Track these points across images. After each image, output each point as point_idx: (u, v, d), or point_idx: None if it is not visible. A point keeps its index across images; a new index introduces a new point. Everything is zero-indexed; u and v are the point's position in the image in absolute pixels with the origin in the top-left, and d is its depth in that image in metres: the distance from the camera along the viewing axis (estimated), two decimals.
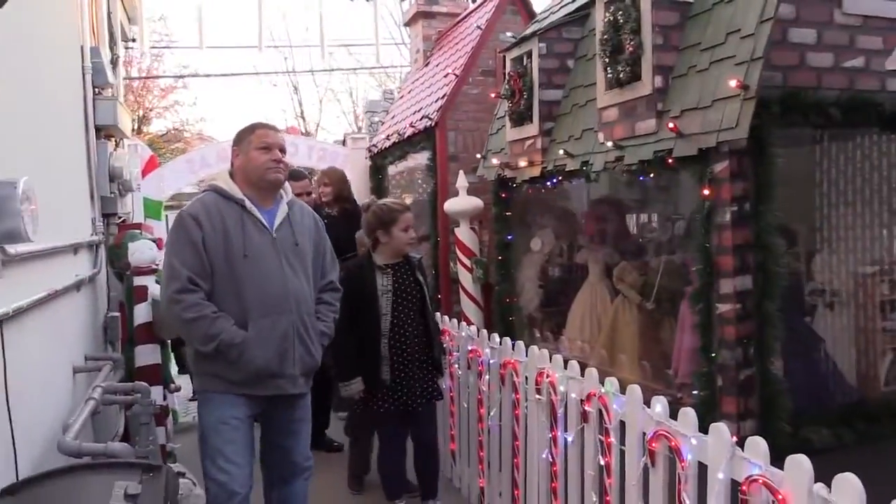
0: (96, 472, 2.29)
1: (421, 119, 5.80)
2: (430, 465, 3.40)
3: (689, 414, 2.31)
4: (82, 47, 4.55)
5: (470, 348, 3.58)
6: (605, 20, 3.08)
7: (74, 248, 3.45)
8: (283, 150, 2.64)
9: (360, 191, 7.60)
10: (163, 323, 3.87)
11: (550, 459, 3.02)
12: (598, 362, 3.90)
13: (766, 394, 2.57)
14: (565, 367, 2.90)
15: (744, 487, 1.98)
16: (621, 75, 2.97)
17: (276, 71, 15.97)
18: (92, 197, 4.29)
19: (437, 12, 7.15)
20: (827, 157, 3.30)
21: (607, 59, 3.07)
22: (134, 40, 8.82)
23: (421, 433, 3.33)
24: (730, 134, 2.45)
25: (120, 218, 4.90)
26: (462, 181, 5.01)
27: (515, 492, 3.31)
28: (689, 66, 2.76)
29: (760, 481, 1.92)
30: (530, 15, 5.78)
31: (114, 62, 6.33)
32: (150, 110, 20.77)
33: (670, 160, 2.74)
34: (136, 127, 20.44)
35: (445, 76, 5.86)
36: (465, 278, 5.14)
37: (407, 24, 7.86)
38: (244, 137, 2.64)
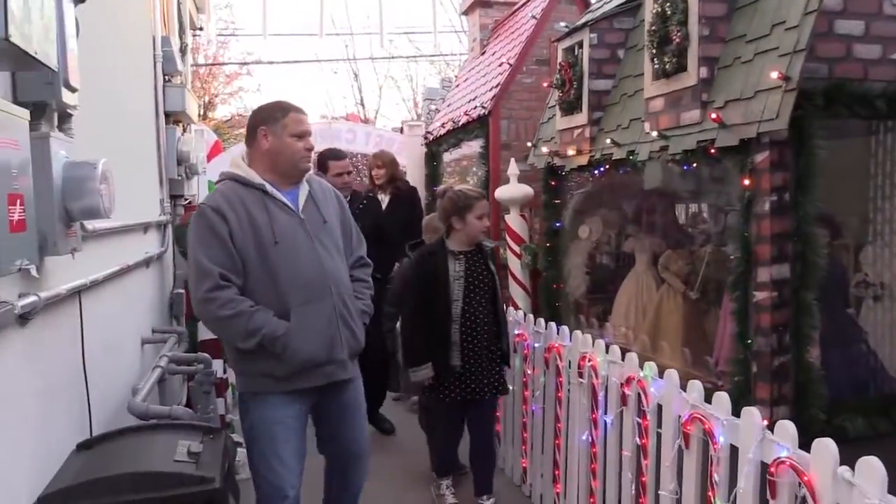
0: (162, 431, 2.50)
1: (475, 108, 5.91)
2: (488, 460, 3.39)
3: (722, 398, 2.39)
4: (154, 37, 4.83)
5: (517, 332, 3.68)
6: (654, 11, 3.12)
7: (144, 227, 3.70)
8: (310, 136, 2.56)
9: (416, 177, 7.77)
10: None
11: (590, 441, 3.12)
12: (640, 349, 3.96)
13: (801, 381, 2.60)
14: (607, 352, 2.99)
15: (772, 469, 2.05)
16: (667, 66, 3.02)
17: (336, 58, 16.22)
18: (161, 179, 4.56)
19: (494, 1, 7.23)
20: (882, 147, 3.26)
21: (654, 50, 3.11)
22: (201, 29, 9.20)
23: (482, 426, 3.32)
24: (770, 125, 2.48)
25: (186, 200, 5.15)
26: (513, 169, 5.11)
27: (556, 472, 3.42)
28: (735, 58, 2.79)
29: (788, 463, 1.99)
30: (586, 4, 5.80)
31: (182, 50, 6.65)
32: (216, 96, 21.46)
33: (713, 150, 2.78)
34: (201, 112, 21.19)
35: (500, 65, 5.95)
36: (514, 264, 5.24)
37: (465, 13, 7.95)
38: (276, 118, 2.50)
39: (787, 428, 2.06)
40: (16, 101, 1.93)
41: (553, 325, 3.35)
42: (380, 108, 20.55)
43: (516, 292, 5.24)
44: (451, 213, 3.14)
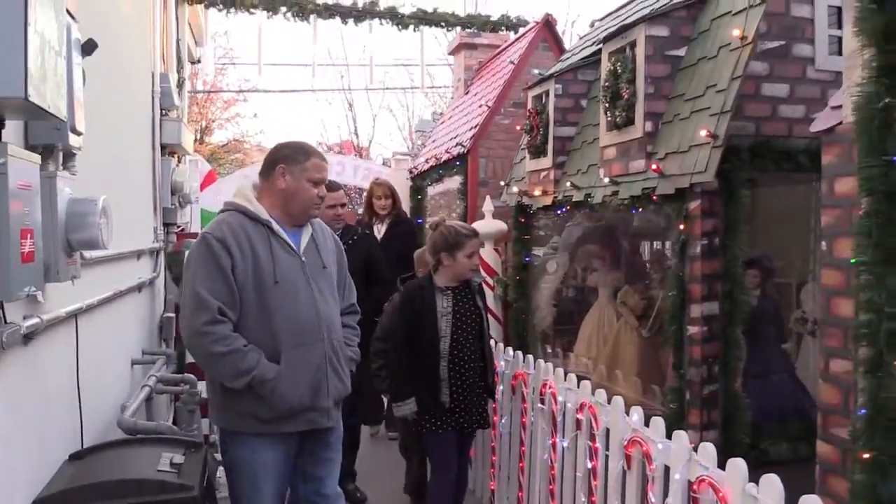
0: (147, 445, 2.71)
1: (456, 146, 6.24)
2: (463, 489, 3.42)
3: (658, 423, 2.66)
4: (153, 73, 5.14)
5: None
6: (608, 69, 3.45)
7: (138, 254, 3.93)
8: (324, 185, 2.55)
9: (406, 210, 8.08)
10: None
11: (550, 463, 3.35)
12: (599, 378, 4.22)
13: (728, 408, 2.87)
14: (565, 380, 3.22)
15: (695, 486, 2.32)
16: (618, 119, 3.33)
17: (331, 88, 16.62)
18: (155, 208, 4.82)
19: (479, 44, 7.60)
20: (817, 195, 3.56)
21: (607, 104, 3.43)
22: (199, 61, 9.53)
23: (462, 460, 3.32)
24: (700, 177, 2.79)
25: (179, 227, 5.37)
26: (488, 205, 5.41)
27: (520, 494, 3.64)
28: (675, 114, 3.11)
29: (707, 481, 2.26)
30: (562, 51, 6.16)
31: (180, 84, 6.98)
32: (213, 121, 21.79)
33: (654, 197, 3.08)
34: (198, 137, 21.50)
35: (480, 106, 6.29)
36: (488, 295, 5.51)
37: (451, 53, 8.33)
38: (298, 160, 2.47)
39: (707, 449, 2.33)
40: (27, 144, 2.21)
41: (520, 353, 3.55)
42: (373, 138, 20.88)
43: (490, 322, 5.50)
44: (441, 249, 3.10)
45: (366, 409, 4.49)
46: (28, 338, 2.11)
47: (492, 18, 7.81)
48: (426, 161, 7.23)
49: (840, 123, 2.02)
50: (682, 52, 3.17)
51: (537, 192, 4.31)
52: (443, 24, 7.77)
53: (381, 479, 4.22)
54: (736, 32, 2.72)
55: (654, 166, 3.01)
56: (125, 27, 4.07)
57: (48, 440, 2.40)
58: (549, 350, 4.80)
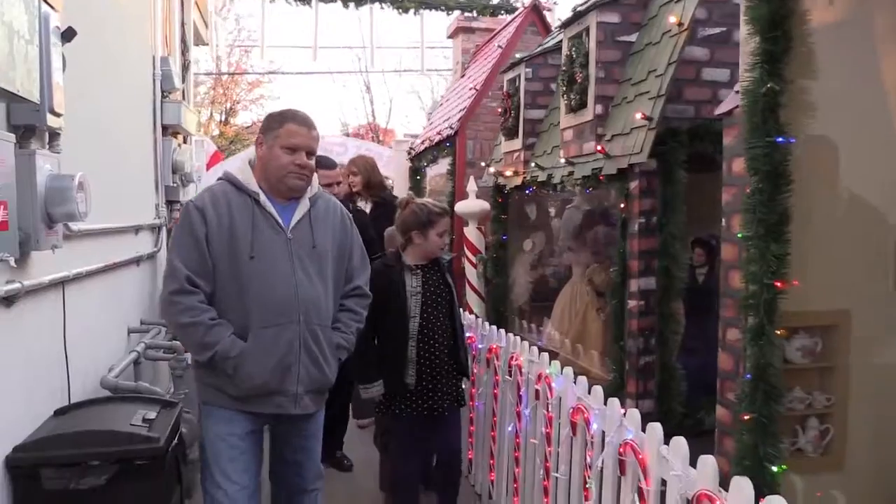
0: (126, 402, 2.95)
1: (447, 127, 6.41)
2: (452, 474, 3.27)
3: (597, 391, 2.84)
4: (154, 57, 5.38)
5: (468, 335, 3.88)
6: (566, 54, 3.59)
7: (136, 229, 4.15)
8: (311, 153, 2.36)
9: (402, 191, 8.27)
10: None
11: (515, 431, 3.54)
12: (566, 352, 4.39)
13: (664, 379, 3.04)
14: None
15: (621, 449, 2.51)
16: (573, 102, 3.48)
17: (348, 70, 16.79)
18: (157, 186, 5.06)
19: (476, 27, 7.73)
20: None
21: (564, 88, 3.58)
22: (206, 44, 9.76)
23: (447, 439, 3.19)
24: (637, 158, 2.94)
25: (180, 205, 5.61)
26: (472, 185, 5.58)
27: (491, 461, 3.86)
28: (623, 98, 3.26)
29: (630, 445, 2.46)
30: (549, 35, 6.28)
31: (185, 67, 7.22)
32: (237, 102, 22.09)
33: (601, 177, 3.24)
34: (223, 118, 21.84)
35: (470, 89, 6.44)
36: (471, 273, 5.71)
37: (450, 37, 8.46)
38: (272, 128, 2.36)
39: (633, 415, 2.51)
40: (9, 125, 2.45)
41: (494, 328, 3.70)
42: (389, 120, 21.04)
43: (472, 299, 5.71)
44: (413, 227, 3.03)
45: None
46: (8, 301, 2.35)
47: (491, 2, 7.92)
48: (422, 143, 7.42)
49: (737, 107, 2.15)
50: (633, 37, 3.30)
51: (509, 173, 4.48)
52: (443, 7, 7.89)
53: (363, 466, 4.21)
54: (672, 20, 2.85)
55: (598, 147, 3.17)
56: (124, 12, 4.30)
57: (35, 397, 2.63)
58: (526, 325, 4.98)
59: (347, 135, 20.19)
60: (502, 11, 7.92)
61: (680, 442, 2.22)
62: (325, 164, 3.85)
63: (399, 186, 8.15)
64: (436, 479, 3.30)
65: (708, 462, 2.08)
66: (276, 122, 2.37)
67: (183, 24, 7.09)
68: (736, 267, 2.14)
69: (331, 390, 2.88)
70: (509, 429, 3.70)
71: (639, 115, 2.89)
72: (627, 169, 3.05)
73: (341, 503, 3.74)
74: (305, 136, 2.34)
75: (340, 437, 4.33)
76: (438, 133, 6.65)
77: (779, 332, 1.92)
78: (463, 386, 3.28)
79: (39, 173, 2.52)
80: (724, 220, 2.23)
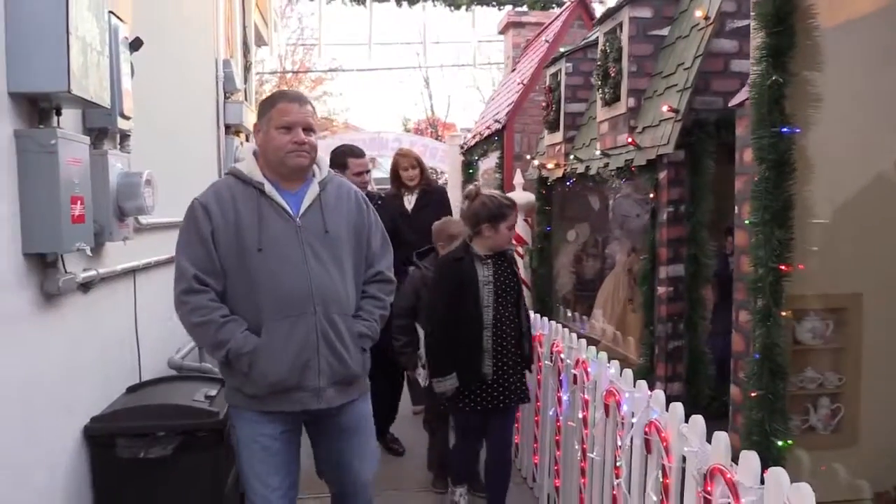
0: (191, 381, 3.25)
1: (495, 121, 6.56)
2: (503, 475, 3.23)
3: (627, 374, 2.98)
4: (217, 60, 5.73)
5: None
6: (601, 49, 3.70)
7: None
8: (308, 129, 2.24)
9: (455, 184, 8.46)
10: None
11: (556, 415, 3.70)
12: (608, 340, 4.49)
13: (692, 362, 3.12)
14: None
15: (647, 429, 2.65)
16: (607, 96, 3.59)
17: (405, 66, 17.07)
18: None
19: (526, 22, 7.83)
20: None
21: (599, 82, 3.69)
22: (267, 45, 10.16)
23: (501, 439, 3.17)
24: (665, 149, 3.04)
25: None
26: (518, 178, 5.71)
27: (535, 445, 4.03)
28: (654, 91, 3.35)
29: (654, 424, 2.60)
30: None
31: (247, 67, 7.61)
32: None
33: (633, 168, 3.35)
34: None
35: (518, 84, 6.57)
36: (518, 263, 5.84)
37: (501, 32, 8.59)
38: (264, 112, 2.26)
39: (658, 397, 2.65)
40: (85, 128, 2.76)
41: (538, 316, 3.82)
42: (448, 114, 21.25)
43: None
44: (484, 220, 2.97)
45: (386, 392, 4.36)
46: (86, 287, 2.66)
47: None
48: (473, 137, 7.59)
49: (747, 99, 2.24)
50: (665, 31, 3.38)
51: (551, 165, 4.61)
52: (494, 3, 8.03)
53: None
54: (699, 13, 2.93)
55: (629, 139, 3.27)
56: (189, 21, 4.63)
57: (110, 374, 2.95)
58: (570, 314, 5.10)
59: (408, 130, 20.53)
60: (553, 5, 8.00)
61: (697, 420, 2.34)
62: (354, 152, 3.85)
63: (453, 180, 8.35)
64: (487, 472, 3.23)
65: (721, 438, 2.20)
66: (268, 105, 2.28)
67: (244, 27, 7.47)
68: (746, 252, 2.23)
69: (378, 377, 2.84)
70: (550, 413, 3.85)
71: (665, 108, 2.99)
72: (656, 160, 3.15)
73: (390, 486, 3.73)
74: (298, 112, 2.23)
75: (390, 422, 4.31)
76: (488, 127, 6.81)
77: (784, 314, 2.01)
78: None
79: (112, 171, 2.82)
80: (736, 207, 2.32)
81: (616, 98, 3.52)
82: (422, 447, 3.99)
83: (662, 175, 3.13)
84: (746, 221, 2.09)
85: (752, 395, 2.07)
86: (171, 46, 4.26)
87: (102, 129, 2.90)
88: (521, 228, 5.87)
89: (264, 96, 2.38)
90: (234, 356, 2.17)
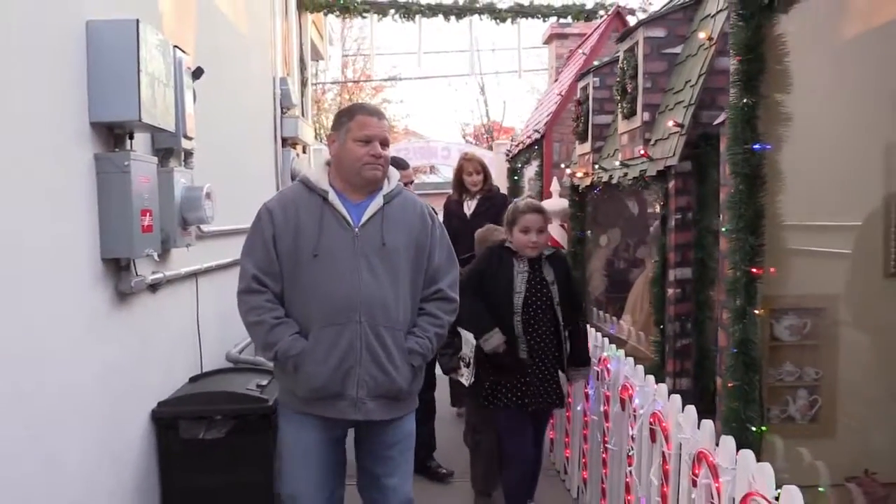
0: (245, 372, 3.65)
1: (535, 131, 6.82)
2: (534, 478, 3.41)
3: (638, 370, 3.24)
4: (274, 78, 6.20)
5: None
6: (620, 66, 3.94)
7: None
8: (384, 143, 2.29)
9: (504, 191, 8.73)
10: None
11: (584, 411, 3.96)
12: (633, 340, 4.68)
13: (699, 359, 3.32)
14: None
15: (651, 419, 2.91)
16: (625, 110, 3.83)
17: (461, 73, 17.42)
18: (277, 191, 5.83)
19: (569, 33, 8.05)
20: None
21: (619, 96, 3.93)
22: (323, 59, 10.65)
23: (538, 443, 3.32)
24: (671, 161, 3.26)
25: None
26: (555, 185, 5.98)
27: (566, 439, 4.29)
28: (666, 106, 3.57)
29: (657, 415, 2.86)
30: None
31: (303, 83, 8.09)
32: None
33: (647, 178, 3.57)
34: None
35: (557, 94, 6.81)
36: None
37: (545, 43, 8.82)
38: (342, 123, 2.31)
39: (661, 390, 2.91)
40: (153, 149, 3.19)
41: None
42: (504, 120, 21.51)
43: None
44: (505, 225, 3.23)
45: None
46: (154, 288, 3.08)
47: (586, 7, 8.22)
48: (517, 145, 7.86)
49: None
50: (678, 49, 3.60)
51: (580, 174, 4.85)
52: (539, 15, 8.29)
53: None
54: (702, 35, 3.15)
55: (641, 151, 3.51)
56: (247, 42, 5.09)
57: (175, 365, 3.38)
58: (602, 315, 5.30)
59: (466, 135, 20.84)
60: (599, 14, 8.20)
61: (690, 410, 2.59)
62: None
63: (499, 186, 8.62)
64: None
65: (707, 426, 2.45)
66: (346, 116, 2.33)
67: (301, 45, 7.96)
68: (727, 257, 2.46)
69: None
70: (578, 408, 4.11)
71: (671, 123, 3.21)
72: (666, 170, 3.37)
73: None
74: (377, 126, 2.29)
75: (430, 443, 4.14)
76: (529, 136, 7.08)
77: (758, 312, 2.23)
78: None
79: (177, 186, 3.25)
80: (720, 216, 2.54)
81: (633, 112, 3.75)
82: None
83: (671, 184, 3.36)
84: (723, 229, 2.32)
85: (730, 385, 2.29)
86: (231, 69, 4.72)
87: (168, 149, 3.34)
88: (558, 233, 6.12)
89: (342, 107, 2.56)
90: (281, 358, 2.23)
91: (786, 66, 2.21)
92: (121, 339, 2.80)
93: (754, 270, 2.21)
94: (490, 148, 15.71)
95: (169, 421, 3.07)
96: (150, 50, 2.75)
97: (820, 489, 2.18)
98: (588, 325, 4.12)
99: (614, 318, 5.09)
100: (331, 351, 2.23)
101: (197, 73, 3.58)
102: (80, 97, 2.52)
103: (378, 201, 2.31)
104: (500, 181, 8.68)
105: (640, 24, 3.61)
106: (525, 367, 3.11)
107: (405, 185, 3.77)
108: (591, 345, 3.93)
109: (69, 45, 2.43)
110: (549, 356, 3.16)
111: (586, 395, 3.94)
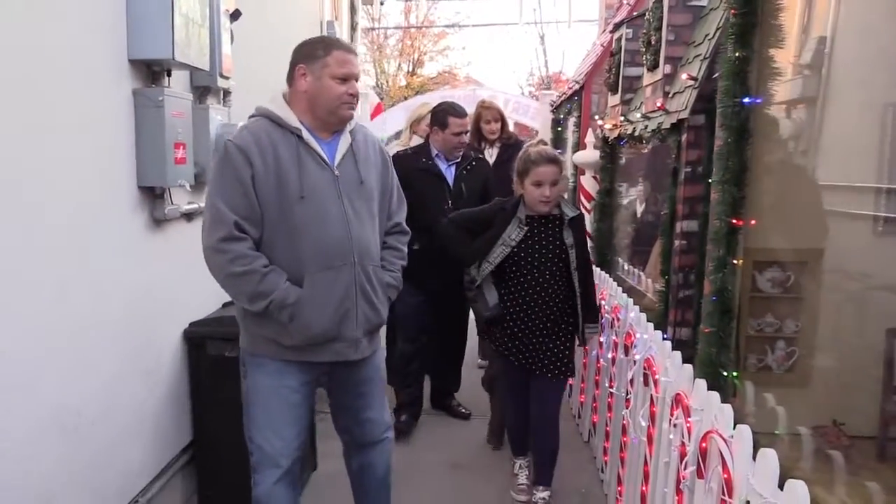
0: None
1: (575, 82, 6.80)
2: (546, 447, 3.15)
3: (641, 317, 3.37)
4: (321, 22, 6.35)
5: None
6: (646, 18, 3.94)
7: None
8: (357, 79, 2.22)
9: (547, 141, 8.74)
10: None
11: (597, 358, 4.11)
12: (650, 292, 4.76)
13: (699, 310, 3.41)
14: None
15: (644, 364, 3.05)
16: (649, 62, 3.85)
17: (523, 21, 17.14)
18: None
19: None
20: None
21: (644, 49, 3.94)
22: (382, 3, 10.72)
23: (539, 407, 3.10)
24: (683, 114, 3.30)
25: None
26: (590, 137, 6.00)
27: (582, 385, 4.45)
28: (685, 59, 3.58)
29: (648, 360, 2.99)
30: None
31: (353, 27, 8.21)
32: (424, 54, 23.27)
33: (663, 131, 3.62)
34: (410, 69, 23.20)
35: (599, 45, 6.75)
36: (585, 218, 6.16)
37: None
38: (317, 56, 2.17)
39: (656, 336, 3.03)
40: (192, 86, 3.42)
41: (593, 267, 4.16)
42: (562, 69, 21.13)
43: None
44: (515, 175, 2.99)
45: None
46: (189, 217, 3.35)
47: None
48: (560, 96, 7.84)
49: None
50: (705, 1, 3.59)
51: (609, 126, 4.88)
52: None
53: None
54: None
55: (658, 104, 3.55)
56: None
57: (208, 291, 3.63)
58: (626, 267, 5.38)
59: (531, 86, 20.58)
60: None
61: (675, 355, 2.73)
62: (457, 111, 3.84)
63: (543, 136, 8.64)
64: (532, 445, 3.24)
65: (685, 369, 2.59)
66: (321, 49, 2.19)
67: None
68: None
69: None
70: (593, 354, 4.26)
71: (685, 76, 3.25)
72: (679, 123, 3.42)
73: (455, 451, 3.90)
74: (354, 62, 2.20)
75: (455, 383, 4.35)
76: (570, 87, 7.06)
77: (736, 262, 2.32)
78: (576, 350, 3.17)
79: (212, 123, 3.48)
80: (714, 167, 2.61)
81: (656, 64, 3.77)
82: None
83: (683, 137, 3.40)
84: (710, 180, 2.40)
85: (706, 331, 2.40)
86: (276, 11, 4.88)
87: (206, 87, 3.57)
88: (590, 185, 6.17)
89: (310, 38, 2.33)
90: (276, 307, 2.11)
91: (779, 20, 2.24)
92: (156, 263, 3.08)
93: (735, 221, 2.29)
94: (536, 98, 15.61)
95: (198, 340, 3.37)
96: None
97: (776, 432, 2.29)
98: (608, 276, 4.24)
99: (638, 271, 5.17)
100: (329, 295, 2.16)
101: (235, 16, 3.77)
102: (120, 36, 2.74)
103: (346, 138, 2.25)
104: (545, 132, 8.70)
105: None
106: (493, 317, 3.00)
107: (464, 133, 3.89)
108: (606, 293, 4.05)
109: None
110: (541, 326, 2.99)
111: (599, 343, 4.08)
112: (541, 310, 2.98)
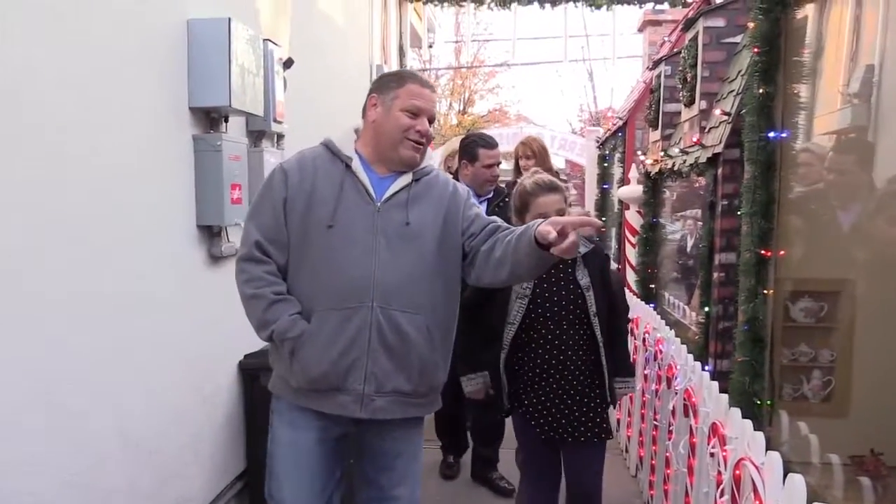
0: None
1: (619, 118, 6.91)
2: None
3: (682, 349, 3.42)
4: (371, 65, 6.64)
5: None
6: (682, 56, 4.04)
7: None
8: (432, 120, 2.05)
9: (592, 177, 8.83)
10: None
11: (643, 391, 4.14)
12: (693, 325, 4.74)
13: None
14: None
15: (685, 395, 3.10)
16: (686, 99, 3.93)
17: (568, 59, 17.33)
18: None
19: (662, 20, 8.02)
20: None
21: (681, 85, 4.03)
22: (431, 46, 11.06)
23: (578, 477, 2.57)
24: (717, 148, 3.37)
25: None
26: (633, 172, 6.07)
27: (629, 419, 4.47)
28: (721, 95, 3.65)
29: (688, 389, 3.05)
30: None
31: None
32: (475, 92, 23.65)
33: (700, 165, 3.68)
34: (461, 108, 23.61)
35: (642, 82, 6.85)
36: (630, 253, 6.21)
37: (639, 31, 8.79)
38: (390, 87, 2.02)
39: (696, 367, 3.09)
40: (248, 131, 3.66)
41: (636, 300, 4.24)
42: (611, 105, 21.20)
43: (632, 278, 6.21)
44: (514, 214, 2.57)
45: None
46: None
47: None
48: (605, 132, 7.94)
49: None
50: (738, 38, 3.66)
51: (650, 161, 4.96)
52: (636, 2, 8.26)
53: None
54: (752, 24, 3.22)
55: (694, 139, 3.62)
56: (345, 33, 5.52)
57: None
58: (671, 301, 5.38)
59: (581, 122, 20.69)
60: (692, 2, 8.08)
61: (713, 385, 2.77)
62: (487, 142, 3.61)
63: (590, 174, 8.74)
64: None
65: (722, 399, 2.63)
66: (395, 80, 2.05)
67: (400, 33, 8.39)
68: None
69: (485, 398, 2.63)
70: (638, 388, 4.29)
71: (718, 112, 3.32)
72: (715, 157, 3.48)
73: None
74: (429, 99, 2.03)
75: (495, 453, 3.84)
76: (614, 123, 7.17)
77: (766, 292, 2.35)
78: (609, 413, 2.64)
79: (266, 165, 3.71)
80: (742, 200, 2.67)
81: (692, 100, 3.85)
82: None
83: (719, 171, 3.46)
84: (739, 213, 2.45)
85: (739, 360, 2.43)
86: (326, 58, 5.17)
87: (260, 131, 3.82)
88: (634, 220, 6.22)
89: (387, 71, 2.30)
90: (277, 338, 1.96)
91: (800, 57, 2.31)
92: (213, 297, 3.27)
93: (763, 252, 2.34)
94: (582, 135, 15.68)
95: (252, 371, 3.53)
96: (241, 44, 3.20)
97: (812, 461, 2.29)
98: (652, 309, 4.27)
99: (682, 304, 5.16)
100: (335, 337, 1.94)
101: (287, 64, 4.03)
102: (181, 86, 2.99)
103: (407, 176, 2.03)
104: (591, 168, 8.79)
105: (701, 13, 3.70)
106: (502, 410, 2.60)
107: (495, 165, 3.64)
108: (650, 326, 4.09)
109: (174, 42, 2.90)
110: (566, 386, 2.49)
111: (644, 377, 4.11)
112: (563, 366, 2.48)
